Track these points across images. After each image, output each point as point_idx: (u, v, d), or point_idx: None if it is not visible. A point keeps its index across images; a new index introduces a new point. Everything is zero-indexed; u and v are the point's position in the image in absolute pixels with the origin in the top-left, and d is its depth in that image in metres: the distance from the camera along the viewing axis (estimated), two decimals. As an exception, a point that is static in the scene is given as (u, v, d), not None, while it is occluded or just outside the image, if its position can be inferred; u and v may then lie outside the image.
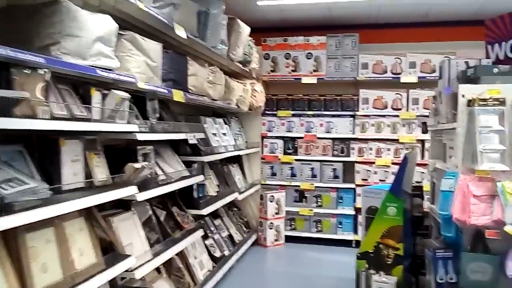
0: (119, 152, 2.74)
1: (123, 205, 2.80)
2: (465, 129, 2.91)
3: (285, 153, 6.05)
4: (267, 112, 6.05)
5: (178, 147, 3.77)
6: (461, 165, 2.95)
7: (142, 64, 2.72)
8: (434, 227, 3.82)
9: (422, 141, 5.62)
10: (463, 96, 2.95)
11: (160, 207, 3.37)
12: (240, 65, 4.78)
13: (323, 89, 6.02)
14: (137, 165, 2.56)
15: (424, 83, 5.59)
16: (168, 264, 3.37)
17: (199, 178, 3.66)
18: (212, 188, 4.53)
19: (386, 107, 5.72)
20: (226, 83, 4.35)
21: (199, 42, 3.57)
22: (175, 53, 3.21)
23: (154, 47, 2.84)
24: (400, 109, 5.67)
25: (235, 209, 5.66)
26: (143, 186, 2.68)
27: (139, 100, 2.98)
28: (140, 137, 2.64)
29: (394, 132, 5.69)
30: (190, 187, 3.73)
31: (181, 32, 3.07)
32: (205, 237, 4.30)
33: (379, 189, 4.04)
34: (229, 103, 4.45)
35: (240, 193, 5.05)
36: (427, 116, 5.50)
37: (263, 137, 6.11)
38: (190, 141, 3.38)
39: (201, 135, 3.77)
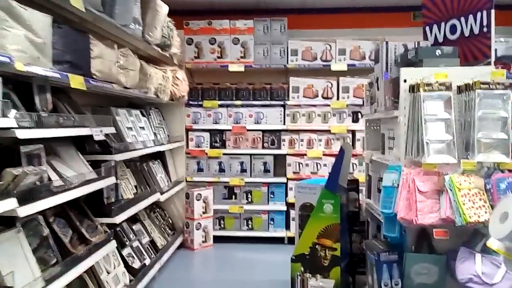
0: (-4, 154, 2.13)
1: (5, 222, 2.19)
2: (408, 117, 2.65)
3: (212, 146, 5.59)
4: (191, 102, 5.55)
5: (85, 145, 3.17)
6: (404, 157, 2.69)
7: (22, 41, 2.12)
8: (371, 223, 3.59)
9: (353, 131, 5.45)
10: (405, 81, 2.68)
11: (61, 219, 2.78)
12: (159, 49, 4.23)
13: (251, 77, 5.64)
14: (16, 171, 1.97)
15: (354, 70, 5.41)
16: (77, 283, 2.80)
17: (110, 181, 3.09)
18: (128, 190, 3.96)
19: (316, 96, 5.46)
20: (142, 69, 3.79)
21: (105, 18, 2.99)
22: (71, 29, 2.62)
23: (40, 19, 2.24)
24: (330, 98, 5.44)
25: (158, 210, 5.11)
26: (28, 197, 2.09)
27: (24, 87, 2.36)
28: (21, 134, 2.04)
29: (325, 122, 5.46)
30: (99, 192, 3.15)
31: (77, 3, 2.48)
32: (121, 246, 3.75)
33: (313, 184, 3.73)
34: (146, 92, 3.89)
35: (163, 193, 4.52)
36: (358, 105, 5.34)
37: (188, 130, 5.60)
38: (96, 137, 2.81)
39: (111, 130, 3.20)
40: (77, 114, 2.91)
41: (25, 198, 2.05)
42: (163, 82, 4.28)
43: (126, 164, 4.13)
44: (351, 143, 5.44)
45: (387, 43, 3.11)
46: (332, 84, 5.43)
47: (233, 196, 5.57)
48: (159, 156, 4.96)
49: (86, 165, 2.99)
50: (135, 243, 4.04)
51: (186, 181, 5.56)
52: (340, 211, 3.39)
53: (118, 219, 3.21)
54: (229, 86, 5.56)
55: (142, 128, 4.19)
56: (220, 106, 5.53)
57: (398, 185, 2.60)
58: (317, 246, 3.42)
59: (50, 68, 2.32)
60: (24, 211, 2.02)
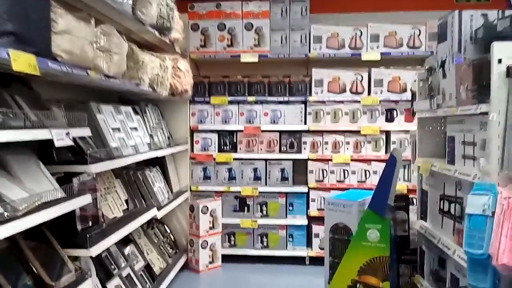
0: None
1: None
2: (505, 113, 1.81)
3: (221, 150, 4.79)
4: (196, 99, 4.75)
5: (54, 152, 2.37)
6: (498, 172, 1.85)
7: None
8: (429, 254, 2.75)
9: (387, 133, 4.61)
10: (499, 61, 1.84)
11: (9, 257, 1.98)
12: (155, 32, 3.43)
13: (267, 69, 4.84)
14: None
15: (389, 60, 4.58)
16: None
17: (83, 200, 2.29)
18: (116, 207, 3.17)
19: (344, 91, 4.62)
20: (132, 54, 3.00)
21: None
22: (19, -11, 1.82)
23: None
24: (360, 93, 4.61)
25: (158, 225, 4.32)
26: None
27: None
28: None
29: (354, 121, 4.62)
30: (71, 215, 2.36)
31: None
32: (107, 277, 2.96)
33: (348, 200, 2.91)
34: (138, 84, 3.10)
35: (160, 207, 3.72)
36: (393, 101, 4.52)
37: (193, 131, 4.80)
38: (58, 143, 2.01)
39: (85, 132, 2.39)
40: (38, 110, 2.12)
41: None
42: (161, 72, 3.48)
43: (115, 173, 3.35)
44: (383, 148, 4.60)
45: (460, 13, 2.27)
46: (362, 77, 4.60)
47: (245, 209, 4.76)
48: (158, 162, 4.16)
49: (50, 181, 2.19)
50: (126, 271, 3.25)
51: (191, 190, 4.76)
52: (390, 240, 2.57)
53: (96, 250, 2.41)
54: (241, 80, 4.75)
55: (135, 129, 3.39)
56: (231, 103, 4.73)
57: (492, 213, 1.77)
58: (358, 286, 2.60)
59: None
60: None
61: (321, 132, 4.65)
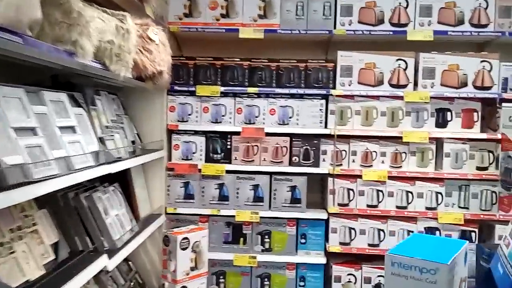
0: None
1: None
2: None
3: (209, 159, 3.50)
4: (177, 88, 3.46)
5: None
6: None
7: None
8: None
9: (438, 140, 3.38)
10: None
11: None
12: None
13: (275, 50, 3.59)
14: None
15: (445, 42, 3.38)
16: None
17: None
18: (33, 259, 1.86)
19: (381, 83, 3.38)
20: (58, 1, 1.69)
21: None
22: None
23: None
24: (403, 86, 3.36)
25: (119, 262, 3.00)
26: None
27: None
28: None
29: (394, 125, 3.38)
30: None
31: None
32: None
33: (428, 260, 1.63)
34: (70, 53, 1.78)
35: (116, 250, 2.42)
36: (448, 98, 3.30)
37: (171, 132, 3.51)
38: None
39: None
40: None
41: None
42: (118, 39, 2.17)
43: (39, 200, 2.04)
44: (433, 160, 3.37)
45: None
46: (407, 64, 3.35)
47: (241, 240, 3.49)
48: (118, 177, 2.84)
49: None
50: None
51: (166, 213, 3.47)
52: None
53: None
54: (239, 64, 3.47)
55: (71, 129, 2.08)
56: (224, 95, 3.45)
57: None
58: None
59: None
60: None
61: (347, 138, 3.41)
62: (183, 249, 3.20)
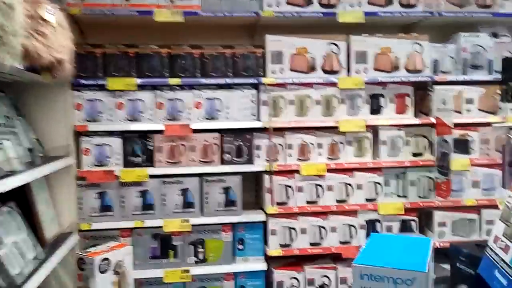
0: None
1: None
2: None
3: (128, 164, 3.02)
4: (83, 81, 2.92)
5: None
6: None
7: None
8: None
9: (374, 128, 3.23)
10: None
11: None
12: None
13: (198, 35, 3.20)
14: None
15: (377, 24, 3.23)
16: None
17: None
18: None
19: (313, 69, 3.14)
20: None
21: None
22: None
23: None
24: (336, 72, 3.16)
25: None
26: None
27: None
28: None
29: (329, 113, 3.17)
30: None
31: None
32: None
33: (402, 268, 1.38)
34: None
35: (14, 290, 1.89)
36: (382, 83, 3.17)
37: (80, 135, 2.97)
38: None
39: None
40: None
41: None
42: (-2, 17, 1.64)
43: None
44: (370, 149, 3.22)
45: None
46: (339, 48, 3.15)
47: (171, 253, 3.07)
48: (14, 195, 2.27)
49: None
50: None
51: (80, 231, 2.93)
52: None
53: None
54: (157, 51, 3.02)
55: None
56: (141, 87, 2.99)
57: None
58: None
59: None
60: None
61: (282, 131, 3.13)
62: (103, 272, 2.69)
